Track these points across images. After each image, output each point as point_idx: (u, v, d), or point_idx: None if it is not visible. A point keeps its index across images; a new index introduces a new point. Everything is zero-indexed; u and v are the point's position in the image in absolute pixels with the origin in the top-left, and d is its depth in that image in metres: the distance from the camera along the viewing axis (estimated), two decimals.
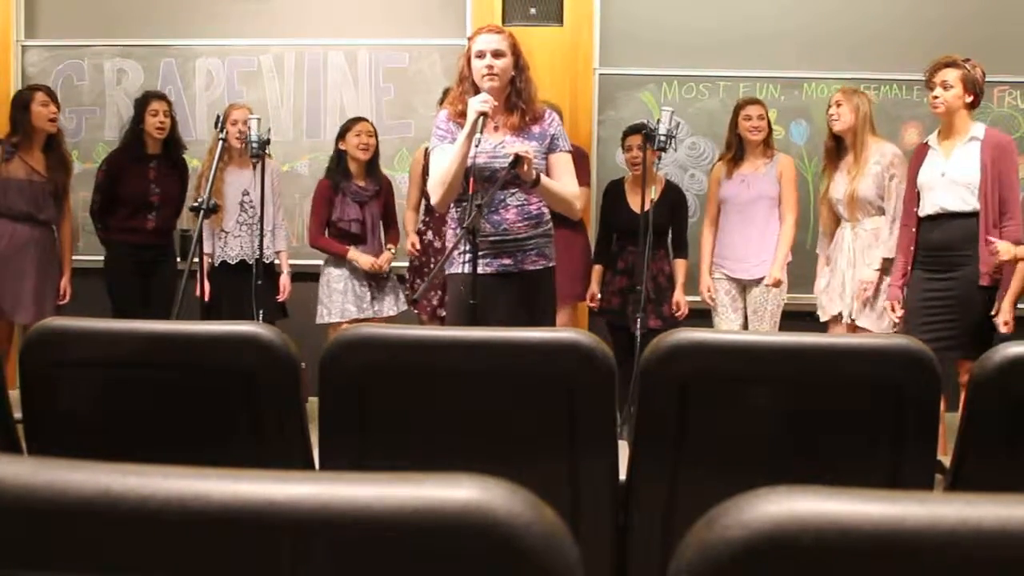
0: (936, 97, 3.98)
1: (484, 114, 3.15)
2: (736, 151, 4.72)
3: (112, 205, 4.87)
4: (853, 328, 4.33)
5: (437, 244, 4.75)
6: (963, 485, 1.71)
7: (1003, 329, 3.80)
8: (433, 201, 3.36)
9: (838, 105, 4.36)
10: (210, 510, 0.67)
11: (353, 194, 4.81)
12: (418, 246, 4.85)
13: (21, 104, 4.70)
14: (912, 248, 4.06)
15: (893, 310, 4.14)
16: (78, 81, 5.76)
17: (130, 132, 4.91)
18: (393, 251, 4.90)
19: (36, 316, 4.39)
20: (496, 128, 3.34)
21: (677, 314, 4.71)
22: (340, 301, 4.82)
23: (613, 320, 4.81)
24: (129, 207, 4.84)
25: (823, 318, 4.49)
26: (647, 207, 4.12)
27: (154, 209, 4.85)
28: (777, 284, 4.57)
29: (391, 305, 4.90)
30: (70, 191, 4.91)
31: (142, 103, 4.89)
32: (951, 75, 3.94)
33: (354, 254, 4.79)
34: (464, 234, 3.14)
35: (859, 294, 4.28)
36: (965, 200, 3.92)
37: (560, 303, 3.97)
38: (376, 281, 4.87)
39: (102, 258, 4.96)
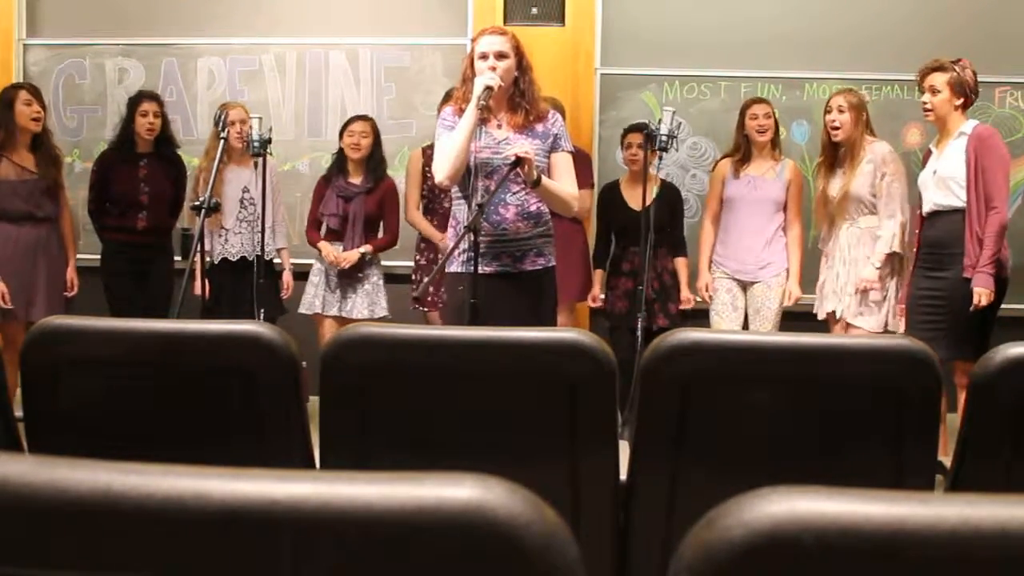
0: (925, 103, 4.03)
1: (490, 88, 3.18)
2: (744, 152, 4.72)
3: (104, 204, 4.88)
4: (847, 326, 4.35)
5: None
6: (964, 485, 1.71)
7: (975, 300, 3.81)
8: (439, 178, 3.31)
9: (841, 111, 4.34)
10: (210, 509, 0.67)
11: (339, 189, 4.83)
12: (446, 239, 4.73)
13: (5, 103, 4.66)
14: (916, 247, 4.11)
15: (900, 314, 4.20)
16: (79, 80, 5.76)
17: (120, 131, 4.91)
18: (364, 251, 4.80)
19: (48, 313, 4.38)
20: (499, 126, 3.35)
21: (684, 307, 4.75)
22: (311, 293, 4.87)
23: (621, 324, 4.80)
24: (119, 206, 4.85)
25: (819, 315, 4.50)
26: (647, 204, 4.14)
27: (144, 208, 4.85)
28: (797, 301, 4.59)
29: (362, 308, 4.81)
30: (64, 184, 4.90)
31: (133, 103, 4.89)
32: (938, 79, 3.97)
33: (321, 244, 4.84)
34: (464, 233, 3.15)
35: (860, 291, 4.28)
36: (955, 194, 3.94)
37: (559, 303, 3.97)
38: (351, 282, 4.84)
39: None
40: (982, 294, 3.81)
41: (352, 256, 4.78)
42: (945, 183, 3.97)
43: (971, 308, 3.82)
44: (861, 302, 4.29)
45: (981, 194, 3.86)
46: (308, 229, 4.96)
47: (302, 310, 4.87)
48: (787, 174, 4.68)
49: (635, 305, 4.66)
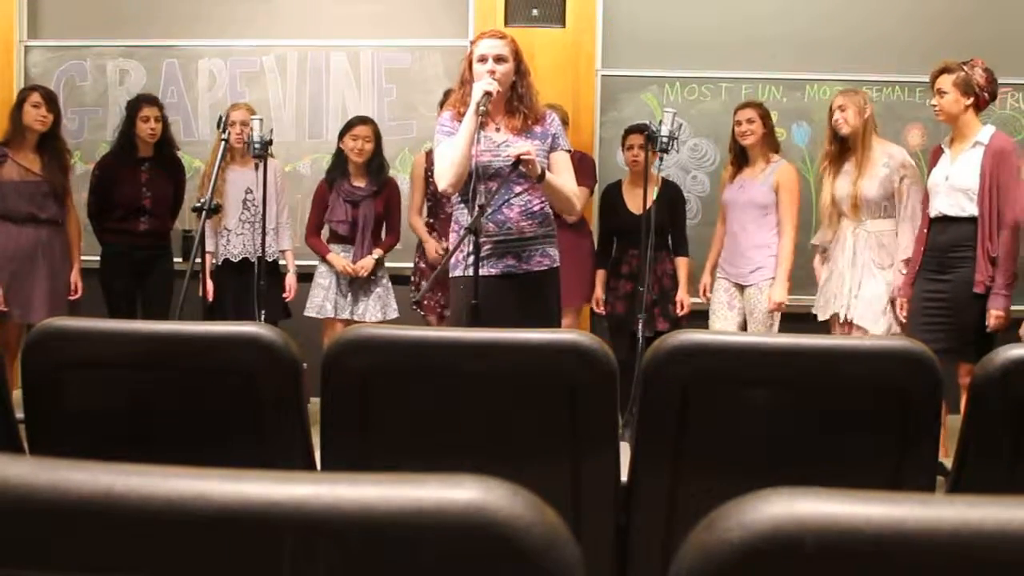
0: (934, 105, 4.05)
1: (489, 93, 3.19)
2: (737, 155, 4.69)
3: (106, 208, 4.89)
4: (851, 328, 4.33)
5: (442, 245, 4.74)
6: (964, 487, 1.71)
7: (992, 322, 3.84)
8: (442, 186, 3.31)
9: (842, 109, 4.31)
10: (211, 510, 0.67)
11: (345, 194, 4.81)
12: (440, 250, 4.72)
13: (17, 103, 4.74)
14: (922, 249, 4.10)
15: (902, 308, 4.18)
16: (80, 81, 5.76)
17: (121, 135, 4.92)
18: (378, 256, 4.83)
19: (48, 316, 4.38)
20: (498, 129, 3.35)
21: (680, 313, 4.71)
22: (320, 297, 4.84)
23: (620, 326, 4.79)
24: (121, 210, 4.86)
25: (820, 317, 4.48)
26: (648, 207, 4.13)
27: (146, 212, 4.87)
28: (779, 307, 4.48)
29: (375, 311, 4.82)
30: (70, 187, 4.91)
31: (133, 107, 4.90)
32: (945, 81, 4.00)
33: (332, 257, 4.81)
34: (466, 235, 3.15)
35: (900, 302, 4.25)
36: (962, 206, 3.95)
37: (566, 306, 3.97)
38: (363, 285, 4.85)
39: None
40: (998, 316, 3.83)
41: (368, 264, 4.79)
42: (957, 193, 3.96)
43: (987, 328, 3.85)
44: (867, 306, 4.28)
45: (994, 209, 3.87)
46: (309, 236, 4.91)
47: (310, 313, 4.84)
48: (775, 177, 4.53)
49: (635, 308, 4.66)
